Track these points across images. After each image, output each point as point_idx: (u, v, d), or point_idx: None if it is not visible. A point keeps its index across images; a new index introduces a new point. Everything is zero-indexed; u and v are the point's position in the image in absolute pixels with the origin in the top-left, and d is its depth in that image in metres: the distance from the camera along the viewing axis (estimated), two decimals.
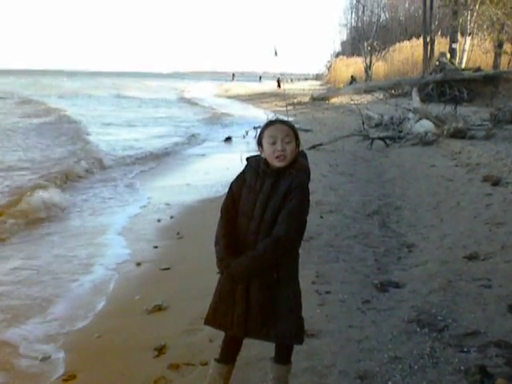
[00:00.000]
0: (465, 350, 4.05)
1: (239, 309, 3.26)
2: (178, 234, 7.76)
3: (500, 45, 33.54)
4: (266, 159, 3.29)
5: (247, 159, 3.45)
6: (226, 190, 8.48)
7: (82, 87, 69.26)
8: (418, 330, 4.43)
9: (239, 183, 3.39)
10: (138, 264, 6.58)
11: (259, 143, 3.34)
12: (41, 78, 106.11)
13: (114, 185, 11.58)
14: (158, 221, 8.50)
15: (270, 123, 3.35)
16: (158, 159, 15.41)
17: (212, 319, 3.42)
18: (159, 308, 5.22)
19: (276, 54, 8.18)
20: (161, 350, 4.37)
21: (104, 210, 9.35)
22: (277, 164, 3.22)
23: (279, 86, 62.78)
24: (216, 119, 28.80)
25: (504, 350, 3.99)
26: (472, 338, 4.24)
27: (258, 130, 13.52)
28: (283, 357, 3.44)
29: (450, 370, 3.76)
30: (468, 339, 4.22)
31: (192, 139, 20.20)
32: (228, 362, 3.52)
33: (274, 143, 3.22)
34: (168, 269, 6.36)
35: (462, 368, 3.76)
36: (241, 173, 3.42)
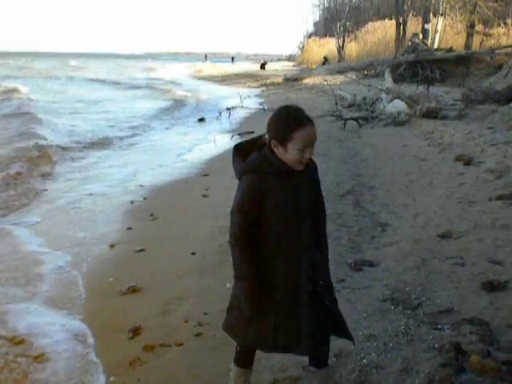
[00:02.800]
0: (439, 327, 4.08)
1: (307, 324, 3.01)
2: (151, 215, 7.71)
3: (472, 25, 33.74)
4: (278, 157, 2.96)
5: (252, 169, 2.96)
6: (198, 170, 8.50)
7: (110, 70, 68.10)
8: (393, 308, 4.45)
9: (257, 199, 2.93)
10: (112, 246, 6.53)
11: (282, 142, 2.92)
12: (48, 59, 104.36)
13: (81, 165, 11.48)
14: (131, 202, 8.44)
15: (299, 124, 2.90)
16: (130, 139, 15.31)
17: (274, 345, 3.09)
18: (133, 289, 5.19)
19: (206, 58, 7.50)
20: (135, 332, 4.35)
21: (74, 191, 9.24)
22: (298, 168, 2.96)
23: (263, 67, 62.87)
24: (188, 100, 28.60)
25: (477, 327, 4.02)
26: (446, 315, 4.27)
27: (231, 111, 13.55)
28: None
29: (424, 348, 3.78)
30: (442, 317, 4.25)
31: (165, 120, 20.05)
32: (250, 365, 3.38)
33: (303, 151, 2.93)
34: (142, 250, 6.31)
35: (436, 345, 3.79)
36: (251, 189, 2.95)
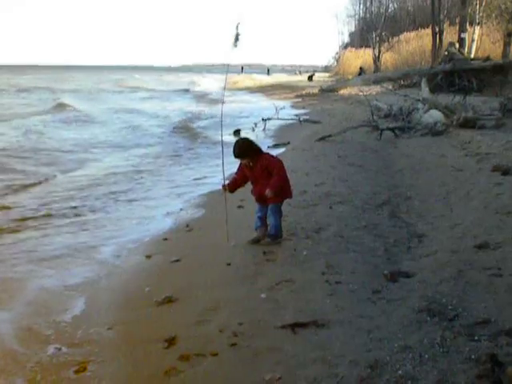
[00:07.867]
0: (475, 338, 4.02)
1: None
2: (187, 226, 7.77)
3: (509, 34, 33.31)
4: None
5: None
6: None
7: (157, 83, 69.45)
8: (429, 319, 4.41)
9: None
10: (148, 256, 6.59)
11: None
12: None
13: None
14: (167, 213, 8.51)
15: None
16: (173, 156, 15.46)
17: None
18: (169, 300, 5.21)
19: (237, 40, 6.10)
20: (171, 341, 4.36)
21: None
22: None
23: (310, 78, 62.69)
24: (225, 112, 28.68)
25: None
26: (483, 326, 4.22)
27: (267, 122, 13.71)
28: None
29: (460, 359, 3.73)
30: (479, 328, 4.20)
31: (201, 133, 20.20)
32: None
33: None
34: (178, 261, 6.34)
35: (473, 357, 3.74)
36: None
